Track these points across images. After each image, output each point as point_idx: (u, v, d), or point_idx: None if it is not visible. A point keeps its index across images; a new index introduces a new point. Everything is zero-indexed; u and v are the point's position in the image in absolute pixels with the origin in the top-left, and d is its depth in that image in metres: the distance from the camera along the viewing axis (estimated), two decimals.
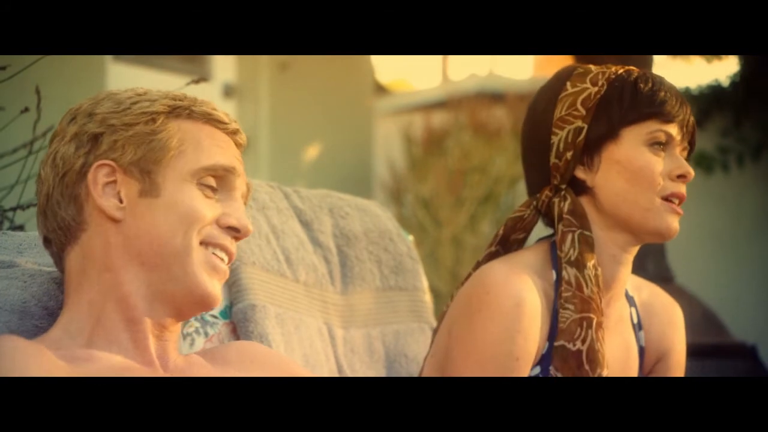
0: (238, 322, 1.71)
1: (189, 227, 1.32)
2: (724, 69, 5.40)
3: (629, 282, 1.67)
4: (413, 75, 8.09)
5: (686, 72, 5.60)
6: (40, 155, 2.08)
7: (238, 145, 1.40)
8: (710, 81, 5.36)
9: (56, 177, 1.34)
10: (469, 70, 6.70)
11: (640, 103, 1.58)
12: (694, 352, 3.14)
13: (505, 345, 1.53)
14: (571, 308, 1.54)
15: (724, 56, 5.23)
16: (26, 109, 2.06)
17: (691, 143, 1.63)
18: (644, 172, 1.56)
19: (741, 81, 5.26)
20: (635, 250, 1.61)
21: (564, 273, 1.56)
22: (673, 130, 1.60)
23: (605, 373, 1.54)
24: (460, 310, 1.58)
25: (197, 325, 1.69)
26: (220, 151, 1.36)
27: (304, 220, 1.90)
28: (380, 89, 7.07)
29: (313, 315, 1.82)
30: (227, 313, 1.73)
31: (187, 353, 1.61)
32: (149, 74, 4.77)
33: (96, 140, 1.34)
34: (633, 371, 1.63)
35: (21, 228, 1.95)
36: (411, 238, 2.00)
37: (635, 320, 1.64)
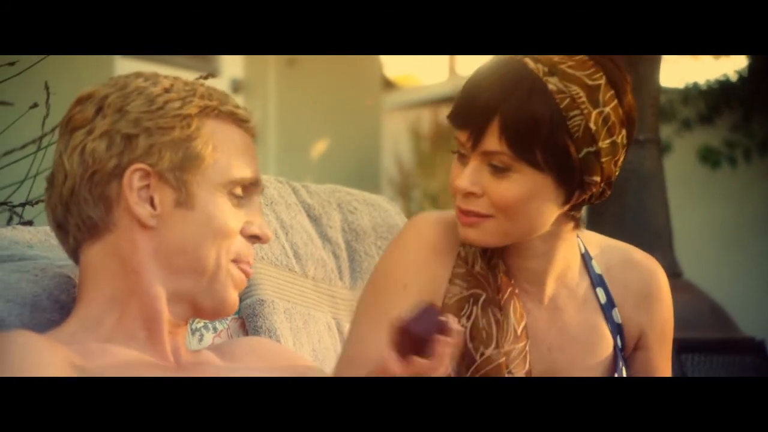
0: (247, 318, 1.72)
1: (222, 243, 1.33)
2: (732, 64, 5.39)
3: (595, 253, 1.63)
4: (421, 70, 8.08)
5: (695, 67, 5.59)
6: (49, 151, 2.08)
7: (252, 135, 1.40)
8: (719, 76, 5.35)
9: (84, 173, 1.32)
10: (477, 64, 6.68)
11: None
12: (702, 347, 3.15)
13: (396, 272, 1.56)
14: (463, 285, 1.55)
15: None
16: (35, 105, 2.06)
17: (511, 145, 1.46)
18: (450, 179, 1.56)
19: (750, 75, 5.25)
20: (551, 232, 1.55)
21: (461, 250, 1.57)
22: (462, 137, 1.50)
23: (490, 352, 1.53)
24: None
25: (206, 320, 1.70)
26: (248, 161, 1.36)
27: (312, 215, 1.90)
28: (388, 84, 7.07)
29: (321, 310, 1.82)
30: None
31: (196, 348, 1.61)
32: (158, 70, 4.77)
33: (130, 141, 1.32)
34: (603, 352, 1.59)
35: (30, 223, 1.96)
36: None
37: (603, 300, 1.60)
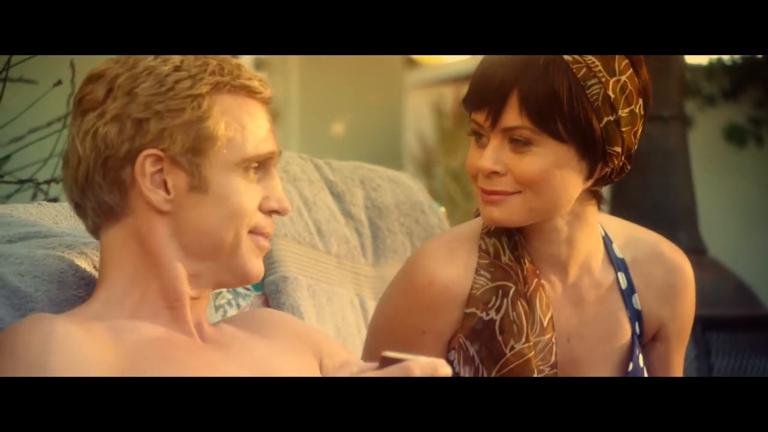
0: (270, 294, 1.72)
1: (239, 222, 1.31)
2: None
3: (619, 241, 1.61)
4: None
5: None
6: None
7: (267, 103, 1.36)
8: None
9: (98, 159, 1.30)
10: None
11: None
12: (726, 324, 3.14)
13: (412, 318, 1.54)
14: (487, 276, 1.54)
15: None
16: (59, 82, 2.07)
17: (532, 117, 1.46)
18: (466, 163, 1.55)
19: None
20: (567, 214, 1.54)
21: (482, 243, 1.56)
22: (480, 117, 1.50)
23: (521, 346, 1.52)
24: (393, 279, 1.61)
25: (229, 296, 1.70)
26: (262, 134, 1.33)
27: (335, 192, 1.90)
28: (410, 62, 7.04)
29: (344, 287, 1.83)
30: (259, 284, 1.74)
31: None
32: None
33: (141, 126, 1.30)
34: (621, 339, 1.59)
35: (55, 200, 1.97)
36: (443, 209, 2.00)
37: (624, 285, 1.59)
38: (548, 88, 1.46)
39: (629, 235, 1.63)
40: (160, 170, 1.30)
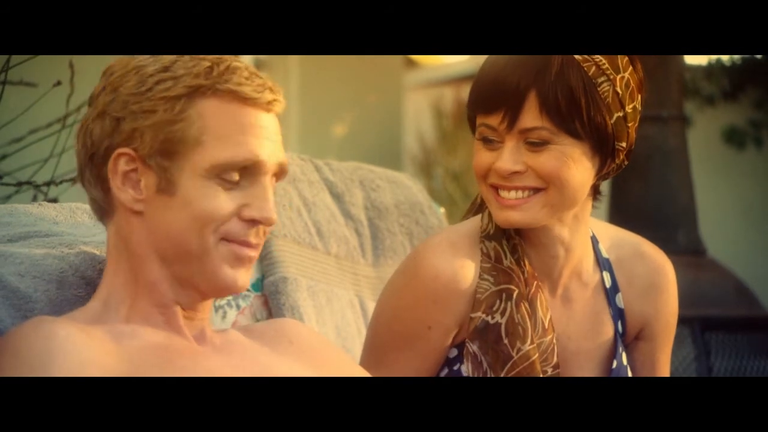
0: (270, 295, 1.72)
1: (203, 227, 1.28)
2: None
3: (605, 243, 1.63)
4: None
5: None
6: (73, 130, 2.09)
7: (267, 109, 1.31)
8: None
9: (86, 154, 1.31)
10: None
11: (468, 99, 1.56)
12: (726, 324, 3.13)
13: (418, 312, 1.54)
14: (490, 280, 1.54)
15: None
16: (58, 83, 2.07)
17: (553, 118, 1.48)
18: (474, 166, 1.55)
19: None
20: (569, 216, 1.55)
21: (482, 246, 1.56)
22: (494, 120, 1.51)
23: (526, 348, 1.52)
24: (392, 275, 1.61)
25: (229, 297, 1.70)
26: (245, 141, 1.29)
27: (335, 192, 1.90)
28: (410, 62, 7.05)
29: (344, 287, 1.83)
30: (259, 285, 1.74)
31: (220, 326, 1.62)
32: None
33: (118, 124, 1.28)
34: (604, 337, 1.60)
35: (55, 201, 1.97)
36: (442, 210, 2.01)
37: (608, 284, 1.61)
38: (566, 88, 1.49)
39: (613, 236, 1.65)
40: (135, 170, 1.29)
